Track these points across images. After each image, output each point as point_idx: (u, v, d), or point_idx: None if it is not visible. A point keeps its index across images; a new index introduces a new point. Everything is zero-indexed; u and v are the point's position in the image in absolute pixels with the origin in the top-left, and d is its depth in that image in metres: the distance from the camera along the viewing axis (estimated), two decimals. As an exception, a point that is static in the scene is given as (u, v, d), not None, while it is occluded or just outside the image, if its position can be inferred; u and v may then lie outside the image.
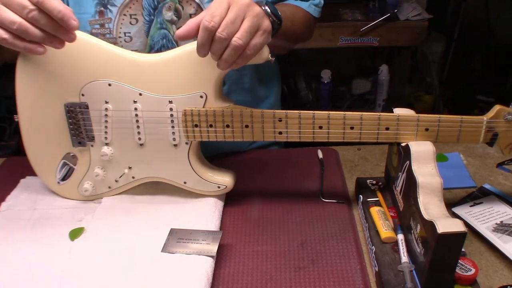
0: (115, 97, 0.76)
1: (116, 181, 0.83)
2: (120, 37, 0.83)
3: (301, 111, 0.73)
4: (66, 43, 0.65)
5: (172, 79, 0.75)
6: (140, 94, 0.76)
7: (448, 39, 2.35)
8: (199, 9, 0.82)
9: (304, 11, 0.91)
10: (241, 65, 0.65)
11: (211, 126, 0.75)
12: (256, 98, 1.00)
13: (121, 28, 0.82)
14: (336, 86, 2.19)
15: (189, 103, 0.75)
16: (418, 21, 1.93)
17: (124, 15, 0.82)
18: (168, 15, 0.82)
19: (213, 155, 0.88)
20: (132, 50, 0.85)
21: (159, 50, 0.86)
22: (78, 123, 0.79)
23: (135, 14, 0.82)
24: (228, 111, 0.74)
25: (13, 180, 0.90)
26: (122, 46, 0.85)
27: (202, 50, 0.63)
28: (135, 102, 0.76)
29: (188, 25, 0.62)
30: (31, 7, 0.59)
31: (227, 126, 0.75)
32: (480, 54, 2.60)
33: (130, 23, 0.82)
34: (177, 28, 0.83)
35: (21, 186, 0.89)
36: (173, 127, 0.77)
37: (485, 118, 0.72)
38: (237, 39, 0.61)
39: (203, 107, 0.75)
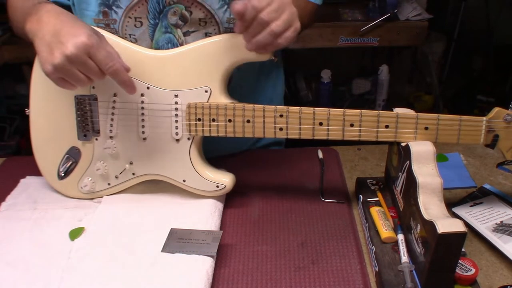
0: (123, 90, 0.77)
1: (116, 177, 0.83)
2: (125, 38, 0.83)
3: (302, 107, 0.74)
4: None
5: (179, 74, 0.78)
6: (148, 88, 0.78)
7: (448, 39, 2.35)
8: (209, 14, 0.82)
9: (311, 3, 0.92)
10: (267, 51, 0.72)
11: (213, 120, 0.77)
12: (258, 99, 1.00)
13: (126, 30, 0.83)
14: (336, 86, 2.19)
15: (194, 97, 0.77)
16: (418, 21, 1.93)
17: (129, 17, 0.82)
18: (173, 19, 0.82)
19: (214, 156, 0.88)
20: None
21: None
22: (86, 114, 0.81)
23: (140, 17, 0.82)
24: (231, 105, 0.76)
25: (13, 180, 0.91)
26: None
27: (240, 27, 0.70)
28: (142, 95, 0.78)
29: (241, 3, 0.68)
30: (101, 76, 0.69)
31: (229, 120, 0.76)
32: (480, 54, 2.60)
33: (135, 25, 0.82)
34: (183, 33, 0.83)
35: (21, 186, 0.89)
36: (176, 121, 0.78)
37: (484, 118, 0.72)
38: (276, 25, 0.68)
39: (207, 101, 0.77)
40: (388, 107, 2.04)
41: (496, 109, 0.72)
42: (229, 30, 0.83)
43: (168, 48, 0.84)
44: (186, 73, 0.77)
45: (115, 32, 0.83)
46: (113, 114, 0.80)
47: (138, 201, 0.84)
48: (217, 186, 0.81)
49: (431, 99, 2.41)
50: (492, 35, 2.46)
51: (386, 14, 1.89)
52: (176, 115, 0.78)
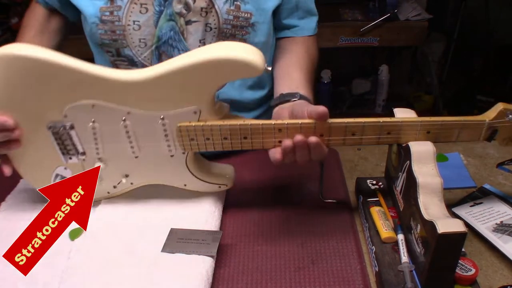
0: (101, 117, 0.72)
1: (114, 187, 0.82)
2: (129, 25, 0.83)
3: (302, 120, 0.69)
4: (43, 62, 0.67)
5: (163, 95, 0.70)
6: (129, 113, 0.71)
7: (448, 39, 2.35)
8: (210, 3, 0.82)
9: (312, 52, 1.02)
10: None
11: (208, 139, 0.73)
12: (252, 96, 0.99)
13: (130, 16, 0.83)
14: (336, 86, 2.19)
15: (182, 117, 0.71)
16: (418, 21, 1.93)
17: (135, 3, 0.82)
18: (178, 7, 0.83)
19: (213, 154, 0.88)
20: (140, 39, 0.85)
21: (166, 42, 0.86)
22: (66, 142, 0.75)
23: (146, 4, 0.83)
24: (226, 126, 0.71)
25: (13, 180, 0.90)
26: (130, 34, 0.85)
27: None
28: (124, 120, 0.72)
29: None
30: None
31: (225, 138, 0.72)
32: (480, 54, 2.60)
33: (140, 11, 0.83)
34: (185, 21, 0.83)
35: (21, 186, 0.89)
36: (167, 141, 0.74)
37: (487, 120, 0.71)
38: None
39: (198, 121, 0.72)
40: (388, 107, 2.05)
41: (500, 107, 0.70)
42: (228, 22, 0.84)
43: (170, 36, 0.84)
44: (170, 95, 0.70)
45: (118, 19, 0.83)
46: (96, 139, 0.74)
47: (138, 201, 0.84)
48: (219, 187, 0.81)
49: (431, 99, 2.41)
50: (492, 35, 2.46)
51: (386, 14, 1.89)
52: (166, 135, 0.73)
